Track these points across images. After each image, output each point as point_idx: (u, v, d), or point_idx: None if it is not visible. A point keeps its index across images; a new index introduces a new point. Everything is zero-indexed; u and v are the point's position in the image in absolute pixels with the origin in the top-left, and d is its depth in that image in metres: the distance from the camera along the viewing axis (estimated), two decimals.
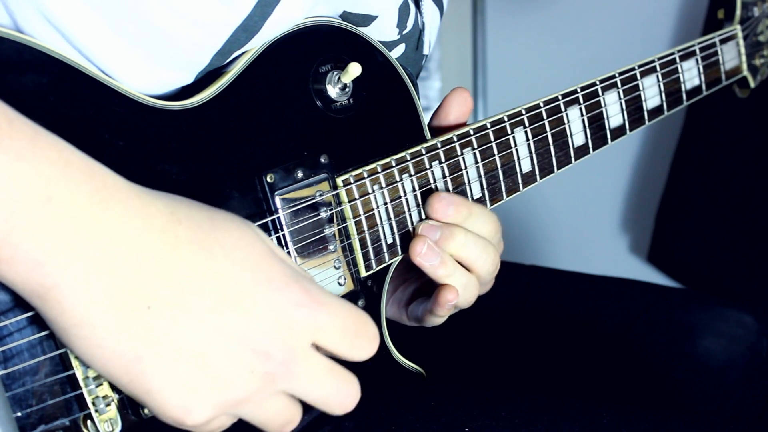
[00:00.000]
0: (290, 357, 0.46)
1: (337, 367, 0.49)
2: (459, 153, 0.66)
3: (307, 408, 0.50)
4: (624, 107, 0.76)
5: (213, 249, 0.45)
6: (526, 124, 0.69)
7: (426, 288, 0.68)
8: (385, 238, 0.62)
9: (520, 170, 0.70)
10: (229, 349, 0.44)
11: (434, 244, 0.61)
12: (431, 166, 0.64)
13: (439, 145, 0.65)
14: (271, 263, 0.47)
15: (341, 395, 0.49)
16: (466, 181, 0.66)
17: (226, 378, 0.44)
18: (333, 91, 0.60)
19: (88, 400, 0.47)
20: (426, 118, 0.67)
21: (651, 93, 0.78)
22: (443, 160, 0.65)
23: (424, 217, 0.64)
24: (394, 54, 0.66)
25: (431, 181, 0.64)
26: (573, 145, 0.72)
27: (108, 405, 0.48)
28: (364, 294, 0.62)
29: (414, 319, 0.69)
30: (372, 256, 0.62)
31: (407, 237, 0.63)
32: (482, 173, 0.67)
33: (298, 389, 0.47)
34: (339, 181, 0.60)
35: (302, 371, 0.47)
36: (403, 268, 0.71)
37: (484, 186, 0.68)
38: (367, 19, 0.62)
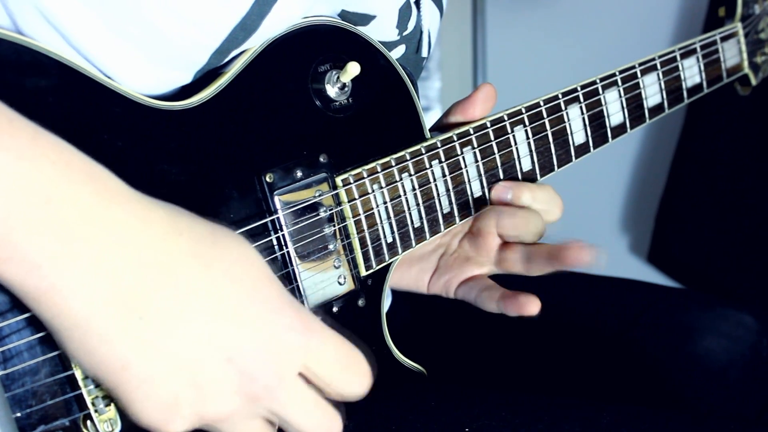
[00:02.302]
0: (276, 381, 0.46)
1: (322, 400, 0.48)
2: (459, 152, 0.66)
3: None
4: (624, 105, 0.75)
5: (212, 264, 0.45)
6: (526, 123, 0.69)
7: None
8: (384, 237, 0.62)
9: (520, 169, 0.69)
10: (217, 365, 0.44)
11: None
12: (431, 165, 0.64)
13: (438, 144, 0.65)
14: (268, 285, 0.47)
15: (322, 429, 0.48)
16: (466, 180, 0.66)
17: (210, 394, 0.44)
18: (332, 90, 0.59)
19: (88, 400, 0.47)
20: (426, 117, 0.67)
21: (652, 91, 0.78)
22: (443, 159, 0.65)
23: (423, 216, 0.64)
24: (394, 55, 0.66)
25: (431, 180, 0.64)
26: (573, 143, 0.72)
27: (108, 405, 0.48)
28: (364, 293, 0.62)
29: (463, 299, 0.70)
30: (372, 256, 0.62)
31: (407, 236, 0.63)
32: (482, 172, 0.67)
33: (279, 415, 0.47)
34: (338, 180, 0.60)
35: (286, 398, 0.46)
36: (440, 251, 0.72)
37: (484, 185, 0.68)
38: (366, 19, 0.62)
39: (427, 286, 0.72)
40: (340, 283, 0.60)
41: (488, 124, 0.67)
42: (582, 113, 0.72)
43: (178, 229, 0.45)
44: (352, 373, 0.49)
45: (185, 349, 0.43)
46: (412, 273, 0.73)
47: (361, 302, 0.62)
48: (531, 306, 0.63)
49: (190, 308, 0.44)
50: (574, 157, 0.73)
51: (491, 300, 0.66)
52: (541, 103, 0.70)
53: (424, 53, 0.71)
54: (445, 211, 0.66)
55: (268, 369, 0.45)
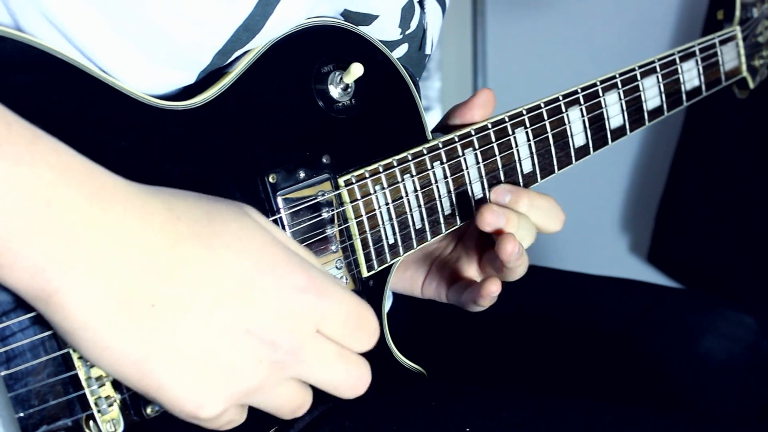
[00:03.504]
0: (297, 344, 0.46)
1: (345, 351, 0.49)
2: (460, 153, 0.66)
3: (317, 397, 0.50)
4: (624, 108, 0.76)
5: (212, 243, 0.45)
6: (527, 125, 0.69)
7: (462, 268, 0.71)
8: (386, 238, 0.62)
9: (521, 171, 0.70)
10: (236, 340, 0.45)
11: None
12: (433, 167, 0.64)
13: (440, 146, 0.65)
14: (273, 251, 0.47)
15: (352, 378, 0.49)
16: (468, 182, 0.67)
17: (235, 370, 0.45)
18: (335, 91, 0.60)
19: (91, 400, 0.47)
20: (427, 117, 0.67)
21: (651, 93, 0.78)
22: (445, 160, 0.65)
23: (425, 217, 0.64)
24: (397, 54, 0.67)
25: (432, 181, 0.65)
26: (574, 145, 0.73)
27: (110, 405, 0.48)
28: (365, 294, 0.62)
29: (455, 303, 0.71)
30: (374, 257, 0.62)
31: (409, 237, 0.64)
32: (483, 174, 0.67)
33: (307, 375, 0.48)
34: (341, 181, 0.60)
35: (310, 357, 0.47)
36: (429, 254, 0.72)
37: (485, 186, 0.68)
38: (368, 18, 0.62)
39: (421, 290, 0.73)
40: None
41: (489, 126, 0.67)
42: (582, 115, 0.72)
43: (176, 215, 0.45)
44: (361, 332, 0.49)
45: (201, 331, 0.44)
46: (407, 276, 0.73)
47: None
48: (491, 287, 0.64)
49: (200, 290, 0.44)
50: (574, 160, 0.73)
51: (470, 300, 0.67)
52: (542, 105, 0.70)
53: (428, 50, 0.71)
54: (446, 213, 0.66)
55: (287, 334, 0.46)
